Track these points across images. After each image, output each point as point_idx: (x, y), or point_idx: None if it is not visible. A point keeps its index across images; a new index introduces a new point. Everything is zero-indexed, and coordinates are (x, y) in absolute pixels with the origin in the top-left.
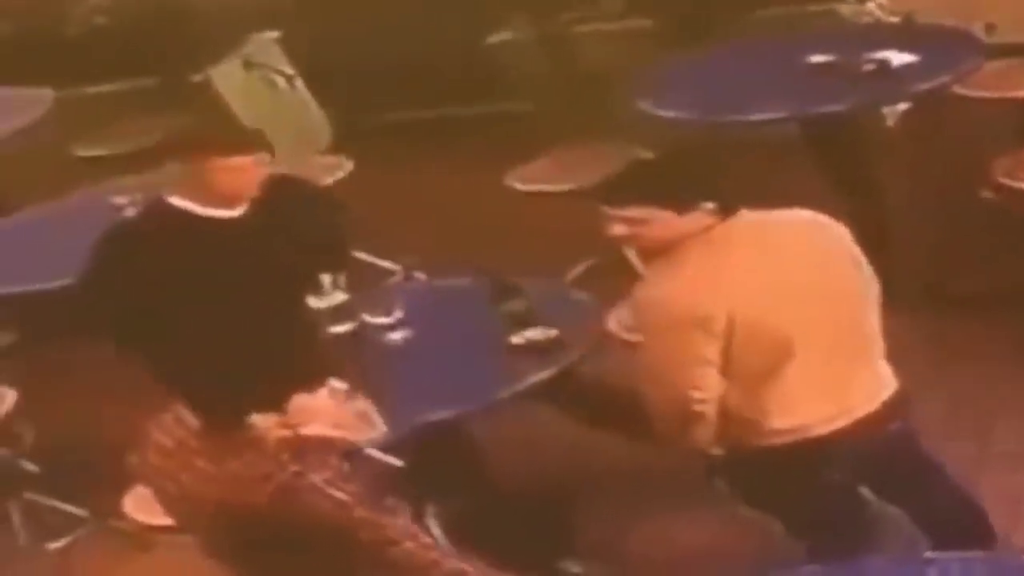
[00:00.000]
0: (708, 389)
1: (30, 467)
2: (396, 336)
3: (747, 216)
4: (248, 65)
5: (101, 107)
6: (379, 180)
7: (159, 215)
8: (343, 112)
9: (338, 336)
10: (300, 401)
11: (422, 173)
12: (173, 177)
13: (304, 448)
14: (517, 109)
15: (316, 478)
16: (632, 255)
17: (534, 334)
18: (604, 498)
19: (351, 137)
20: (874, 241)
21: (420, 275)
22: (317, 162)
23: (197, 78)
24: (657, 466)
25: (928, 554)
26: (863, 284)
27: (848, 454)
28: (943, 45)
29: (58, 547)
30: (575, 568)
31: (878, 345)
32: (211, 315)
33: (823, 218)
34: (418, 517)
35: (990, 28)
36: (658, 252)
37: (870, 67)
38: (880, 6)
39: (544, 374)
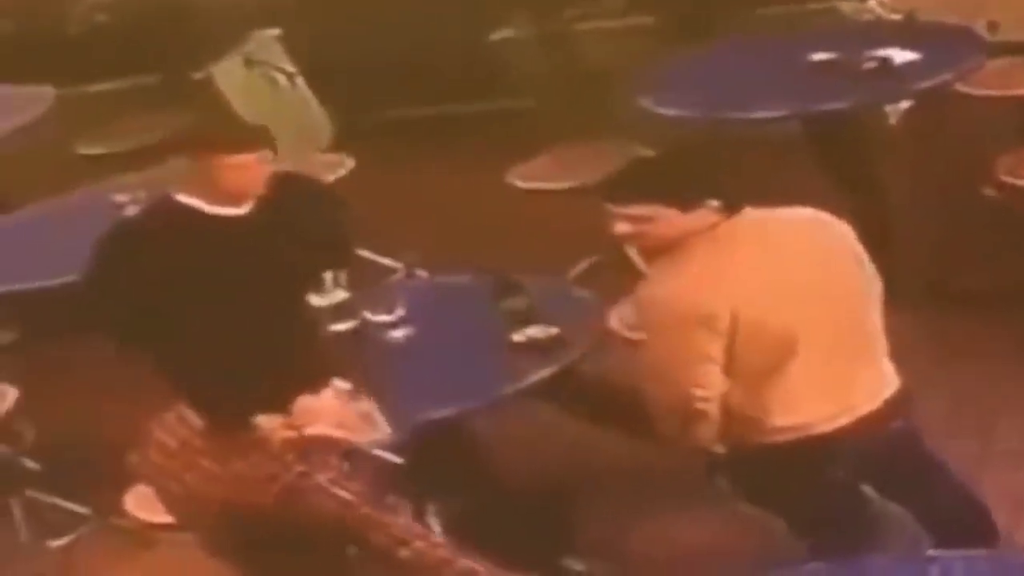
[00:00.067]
0: (711, 387)
1: (31, 465)
2: (397, 334)
3: (751, 214)
4: (249, 63)
5: (102, 105)
6: (380, 178)
7: (164, 212)
8: (344, 110)
9: (339, 334)
10: (305, 402)
11: (423, 171)
12: (176, 174)
13: (308, 449)
14: (518, 107)
15: (321, 478)
16: (633, 253)
17: (535, 332)
18: (606, 496)
19: (352, 135)
20: (876, 239)
21: (421, 273)
22: (318, 160)
23: (198, 76)
24: (659, 464)
25: (931, 552)
26: (866, 282)
27: (850, 452)
28: (945, 43)
29: (60, 545)
30: (577, 566)
31: (881, 343)
32: (215, 313)
33: (826, 216)
34: (419, 515)
35: (992, 26)
36: (662, 250)
37: (872, 65)
38: (881, 4)
39: (545, 372)
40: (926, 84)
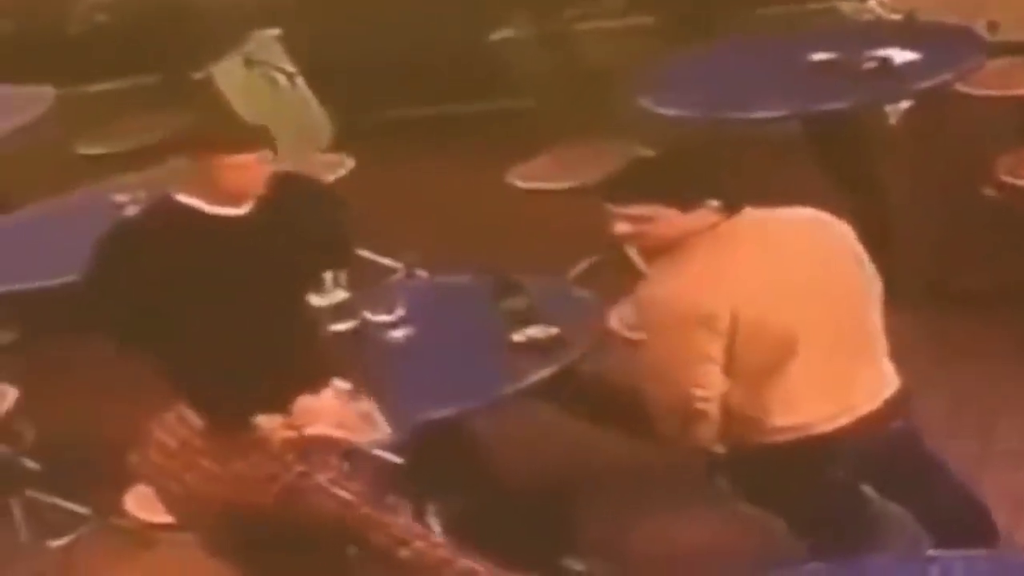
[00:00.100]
0: (711, 387)
1: (31, 465)
2: (397, 334)
3: (752, 214)
4: (249, 63)
5: (102, 105)
6: (380, 178)
7: (165, 212)
8: (344, 110)
9: (339, 334)
10: (305, 402)
11: (423, 171)
12: (176, 174)
13: (308, 449)
14: (518, 107)
15: (321, 478)
16: (633, 253)
17: (535, 332)
18: (606, 496)
19: (352, 135)
20: (876, 239)
21: (421, 273)
22: (318, 160)
23: (198, 76)
24: (659, 464)
25: (931, 552)
26: (866, 282)
27: (850, 452)
28: (945, 43)
29: (60, 545)
30: (577, 566)
31: (881, 343)
32: (215, 313)
33: (826, 216)
34: (419, 515)
35: (992, 26)
36: (662, 250)
37: (872, 65)
38: (881, 4)
39: (545, 372)
40: (926, 84)
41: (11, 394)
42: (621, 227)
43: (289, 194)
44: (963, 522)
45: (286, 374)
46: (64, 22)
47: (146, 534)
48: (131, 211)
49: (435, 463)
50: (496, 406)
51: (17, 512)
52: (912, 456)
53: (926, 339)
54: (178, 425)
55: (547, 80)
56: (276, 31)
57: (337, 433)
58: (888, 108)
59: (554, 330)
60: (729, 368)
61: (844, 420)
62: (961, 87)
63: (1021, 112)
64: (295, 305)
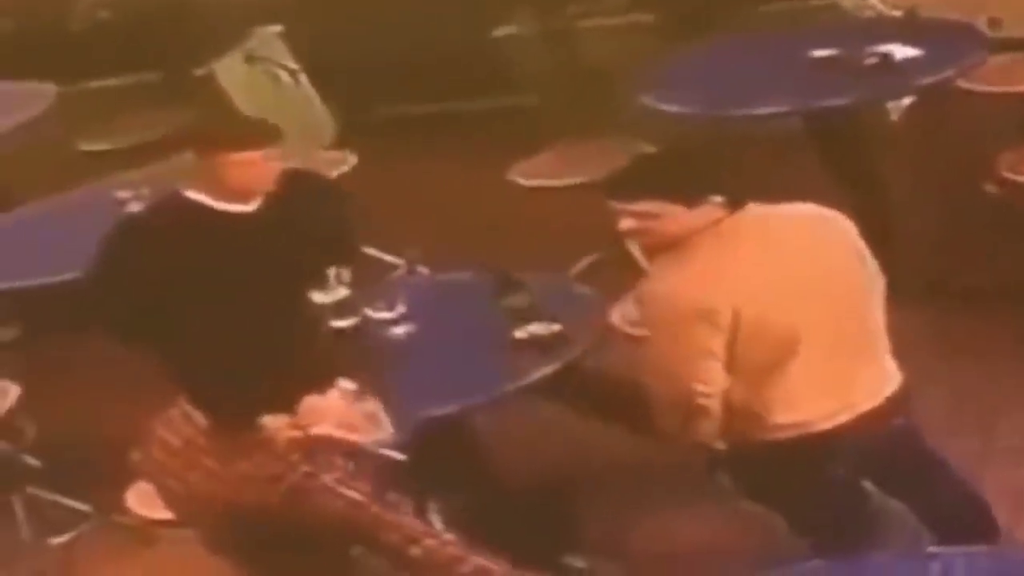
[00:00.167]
0: (712, 383)
1: (33, 462)
2: (399, 331)
3: (755, 210)
4: (251, 59)
5: (104, 101)
6: (382, 175)
7: (173, 209)
8: (346, 106)
9: (341, 331)
10: (310, 402)
11: (425, 168)
12: (179, 171)
13: (314, 449)
14: (521, 104)
15: (327, 478)
16: (635, 249)
17: (537, 329)
18: (607, 493)
19: (355, 132)
20: (877, 236)
21: (423, 270)
22: (321, 157)
23: (200, 72)
24: (660, 461)
25: (932, 549)
26: (868, 279)
27: (851, 449)
28: (947, 39)
29: (61, 542)
30: (578, 563)
31: (882, 340)
32: (222, 311)
33: (829, 212)
34: (420, 512)
35: (994, 22)
36: (665, 246)
37: (873, 61)
38: (883, 0)
39: (547, 369)
40: (928, 80)
41: (12, 391)
42: (626, 223)
43: (298, 191)
44: (964, 519)
45: (290, 373)
46: (66, 19)
47: (147, 531)
48: (133, 208)
49: (436, 460)
50: (498, 403)
51: (18, 509)
52: (913, 453)
53: (927, 336)
54: (182, 423)
55: (549, 77)
56: (278, 28)
57: (343, 433)
58: (889, 104)
59: (556, 327)
60: (730, 364)
61: (845, 417)
62: (963, 83)
63: (1023, 108)
64: (300, 302)
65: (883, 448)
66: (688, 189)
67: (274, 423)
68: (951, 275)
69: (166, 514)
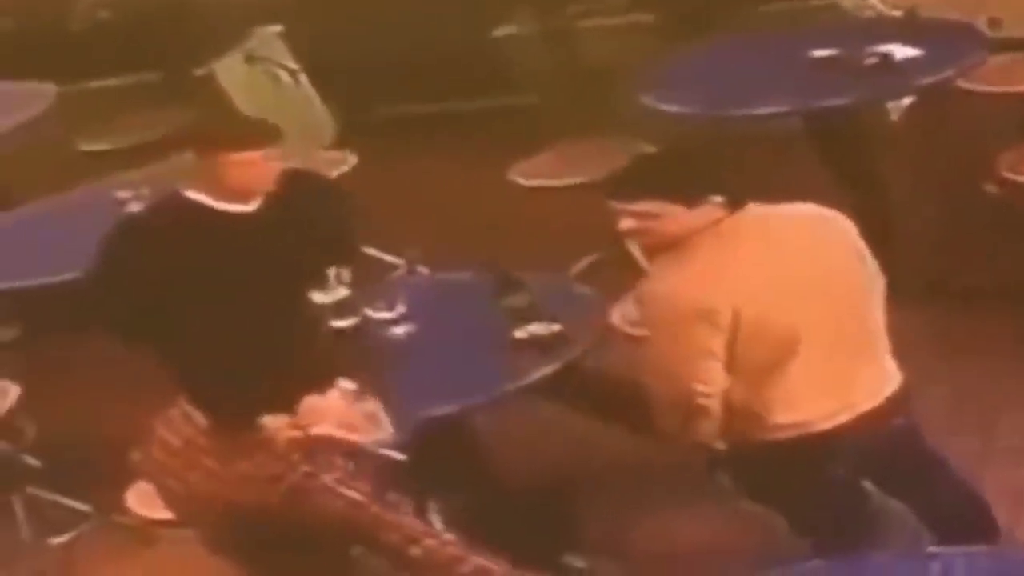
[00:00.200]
0: (712, 383)
1: (32, 462)
2: (399, 331)
3: (755, 210)
4: (251, 59)
5: (104, 101)
6: (382, 175)
7: (174, 208)
8: (347, 106)
9: (341, 331)
10: (311, 402)
11: (425, 168)
12: (179, 171)
13: (314, 449)
14: (521, 103)
15: (327, 479)
16: (635, 249)
17: (537, 329)
18: (607, 493)
19: (355, 131)
20: (877, 236)
21: (423, 269)
22: (321, 157)
23: (200, 72)
24: (660, 461)
25: (932, 549)
26: (868, 279)
27: (851, 449)
28: (947, 39)
29: (61, 542)
30: (578, 563)
31: (883, 340)
32: (222, 310)
33: (829, 212)
34: (420, 512)
35: (994, 22)
36: (665, 246)
37: (873, 61)
38: (883, 0)
39: (547, 369)
40: (928, 80)
41: (12, 391)
42: (626, 223)
43: (298, 191)
44: (964, 519)
45: (290, 373)
46: (66, 19)
47: (147, 531)
48: (133, 208)
49: (436, 460)
50: (498, 403)
51: (18, 509)
52: (913, 453)
53: (927, 335)
54: (182, 423)
55: (549, 77)
56: (278, 28)
57: (343, 433)
58: (889, 104)
59: (556, 327)
60: (730, 364)
61: (845, 417)
62: (963, 83)
63: (1023, 108)
64: (300, 302)
65: (883, 448)
66: (688, 189)
67: (274, 423)
68: (951, 275)
69: (166, 514)
